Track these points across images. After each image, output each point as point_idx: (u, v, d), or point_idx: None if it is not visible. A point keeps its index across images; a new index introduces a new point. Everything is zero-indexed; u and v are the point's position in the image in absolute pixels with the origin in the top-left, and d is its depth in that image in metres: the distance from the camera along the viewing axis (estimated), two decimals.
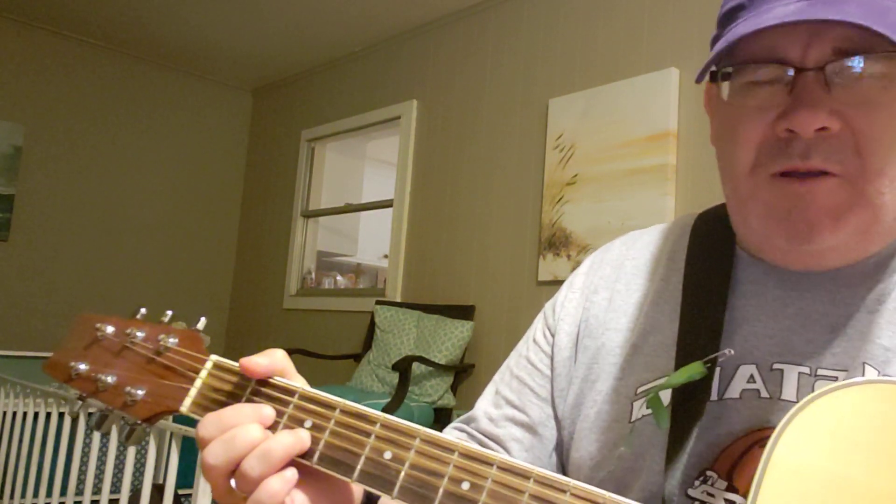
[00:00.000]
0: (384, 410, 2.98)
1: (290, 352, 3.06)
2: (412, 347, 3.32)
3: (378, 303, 3.69)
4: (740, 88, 0.57)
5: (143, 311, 0.59)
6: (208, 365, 0.56)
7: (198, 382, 0.56)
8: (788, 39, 0.54)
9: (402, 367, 2.99)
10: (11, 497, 2.52)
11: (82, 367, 0.57)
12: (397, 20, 3.97)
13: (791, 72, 0.54)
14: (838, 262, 0.58)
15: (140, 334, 0.57)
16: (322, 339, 4.13)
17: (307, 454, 0.52)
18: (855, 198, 0.54)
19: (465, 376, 3.35)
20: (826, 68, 0.53)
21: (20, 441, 2.56)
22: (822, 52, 0.53)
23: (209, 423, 0.52)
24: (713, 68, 0.59)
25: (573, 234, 3.01)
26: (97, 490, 2.65)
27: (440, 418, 3.19)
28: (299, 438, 0.51)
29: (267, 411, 0.53)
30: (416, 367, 3.15)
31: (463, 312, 3.35)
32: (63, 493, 2.44)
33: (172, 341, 0.57)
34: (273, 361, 0.55)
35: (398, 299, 3.77)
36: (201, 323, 0.57)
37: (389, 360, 3.29)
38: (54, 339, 0.62)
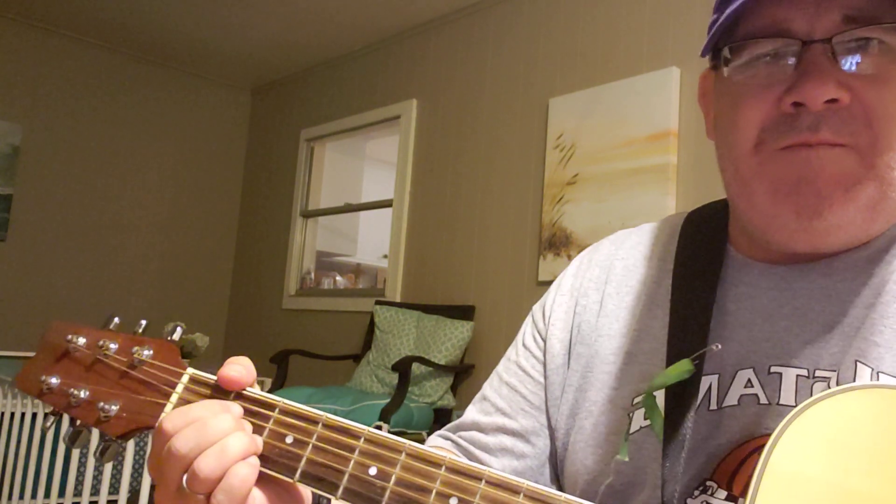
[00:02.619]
0: (384, 411, 2.97)
1: (290, 352, 3.04)
2: (412, 348, 3.31)
3: (378, 303, 3.68)
4: (743, 65, 0.55)
5: (116, 320, 0.57)
6: (184, 379, 0.55)
7: (174, 398, 0.54)
8: (794, 11, 0.53)
9: (402, 367, 2.98)
10: (10, 498, 2.51)
11: (53, 380, 0.56)
12: (397, 19, 3.95)
13: (797, 44, 0.52)
14: (845, 241, 0.55)
15: (113, 346, 0.55)
16: (321, 340, 4.12)
17: (289, 470, 0.50)
18: (865, 170, 0.52)
19: (465, 377, 3.33)
20: (833, 40, 0.51)
21: (18, 442, 2.55)
22: (831, 21, 0.52)
23: (176, 416, 0.51)
24: (715, 47, 0.57)
25: (573, 234, 2.99)
26: (95, 491, 2.64)
27: (440, 419, 3.18)
28: (253, 440, 0.51)
29: (235, 407, 0.52)
30: (416, 368, 3.14)
31: (463, 313, 3.34)
32: (61, 493, 2.44)
33: (147, 353, 0.55)
34: (249, 370, 0.54)
35: (398, 299, 3.76)
36: (177, 333, 0.55)
37: (389, 360, 3.28)
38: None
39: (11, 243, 4.19)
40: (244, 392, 0.54)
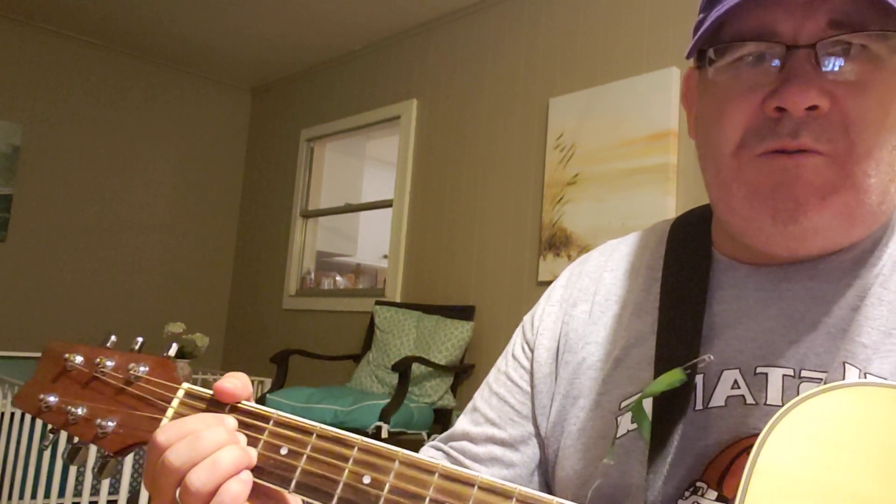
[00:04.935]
0: (384, 411, 2.97)
1: (290, 352, 3.06)
2: (412, 348, 3.31)
3: (378, 303, 3.68)
4: (728, 67, 0.56)
5: (113, 338, 0.57)
6: (180, 394, 0.55)
7: (169, 412, 0.55)
8: (781, 14, 0.53)
9: (402, 367, 2.98)
10: (10, 498, 2.52)
11: (52, 399, 0.56)
12: (397, 19, 3.95)
13: (782, 49, 0.53)
14: (823, 246, 0.56)
15: (110, 363, 0.56)
16: (321, 340, 4.12)
17: (284, 481, 0.51)
18: (841, 178, 0.52)
19: (465, 377, 3.34)
20: (817, 46, 0.51)
21: (18, 442, 2.56)
22: (817, 26, 0.52)
23: (170, 429, 0.51)
24: (700, 48, 0.57)
25: (574, 234, 3.00)
26: (95, 491, 2.65)
27: (440, 419, 3.18)
28: (245, 452, 0.51)
29: (229, 420, 0.52)
30: (416, 368, 3.14)
31: (463, 313, 3.34)
32: (61, 493, 2.44)
33: (143, 370, 0.55)
34: (245, 384, 0.54)
35: (398, 300, 3.76)
36: (173, 349, 0.56)
37: (389, 360, 3.28)
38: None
39: (11, 243, 4.19)
40: (239, 405, 0.54)
